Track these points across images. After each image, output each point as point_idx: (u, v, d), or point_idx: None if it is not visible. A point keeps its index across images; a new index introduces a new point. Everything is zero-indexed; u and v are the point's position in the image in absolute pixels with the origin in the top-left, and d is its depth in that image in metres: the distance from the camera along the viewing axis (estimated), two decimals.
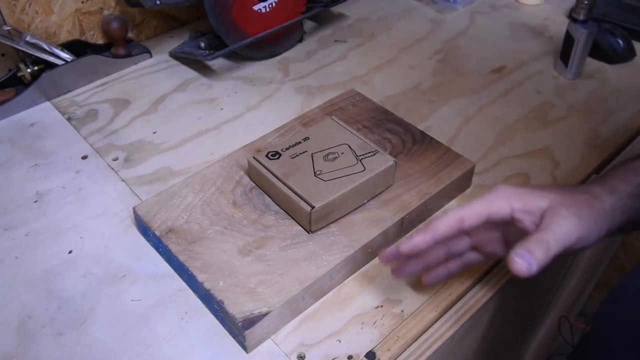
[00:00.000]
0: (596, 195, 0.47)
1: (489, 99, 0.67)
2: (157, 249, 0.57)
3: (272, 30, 0.83)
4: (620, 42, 0.85)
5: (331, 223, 0.56)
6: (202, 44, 0.81)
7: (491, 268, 0.57)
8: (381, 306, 0.53)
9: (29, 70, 0.75)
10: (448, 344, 0.53)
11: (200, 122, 0.74)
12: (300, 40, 0.90)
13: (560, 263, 0.82)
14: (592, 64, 0.85)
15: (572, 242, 0.44)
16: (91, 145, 0.70)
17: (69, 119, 0.74)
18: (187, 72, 0.83)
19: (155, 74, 0.83)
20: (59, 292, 0.54)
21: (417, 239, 0.47)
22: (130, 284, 0.54)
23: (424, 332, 0.52)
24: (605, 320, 0.46)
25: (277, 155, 0.59)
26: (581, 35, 0.79)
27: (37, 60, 0.76)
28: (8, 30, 0.73)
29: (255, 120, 0.74)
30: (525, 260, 0.42)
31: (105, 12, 0.83)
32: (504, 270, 0.58)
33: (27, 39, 0.74)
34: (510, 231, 0.50)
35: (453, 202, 0.63)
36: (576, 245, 0.45)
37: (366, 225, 0.56)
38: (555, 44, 0.89)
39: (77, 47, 0.80)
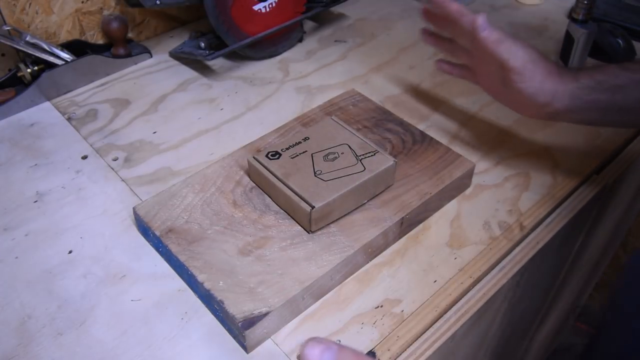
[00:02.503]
0: (561, 74, 0.57)
1: (489, 99, 0.67)
2: (157, 249, 0.57)
3: (272, 30, 0.83)
4: (620, 42, 0.85)
5: (331, 223, 0.56)
6: (202, 44, 0.81)
7: (491, 268, 0.58)
8: (381, 306, 0.53)
9: (29, 70, 0.75)
10: (448, 344, 0.53)
11: (200, 122, 0.74)
12: (300, 40, 0.90)
13: (560, 263, 0.82)
14: (592, 64, 0.85)
15: (513, 65, 0.57)
16: (91, 145, 0.70)
17: (69, 119, 0.74)
18: (187, 72, 0.83)
19: (155, 74, 0.83)
20: (59, 292, 0.54)
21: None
22: (130, 284, 0.54)
23: (424, 332, 0.52)
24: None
25: (277, 155, 0.59)
26: (581, 35, 0.79)
27: (37, 60, 0.76)
28: (8, 30, 0.73)
29: (255, 120, 0.74)
30: (486, 23, 0.58)
31: (105, 12, 0.83)
32: (504, 270, 0.58)
33: (27, 39, 0.74)
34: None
35: (453, 202, 0.63)
36: (514, 79, 0.57)
37: (366, 225, 0.56)
38: (555, 44, 0.89)
39: (77, 47, 0.80)
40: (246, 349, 0.49)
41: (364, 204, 0.58)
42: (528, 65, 0.56)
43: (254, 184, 0.60)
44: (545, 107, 0.57)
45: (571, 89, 0.56)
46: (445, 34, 0.68)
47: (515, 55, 0.57)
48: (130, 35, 0.87)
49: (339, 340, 0.50)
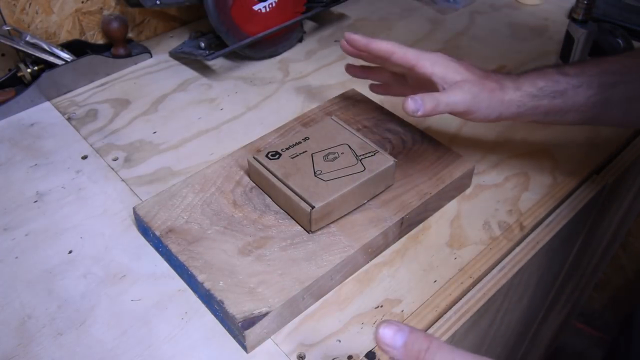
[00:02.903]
0: (503, 87, 0.57)
1: None
2: (157, 249, 0.57)
3: (272, 30, 0.83)
4: (620, 42, 0.85)
5: (331, 223, 0.56)
6: (202, 44, 0.81)
7: (491, 268, 0.58)
8: (381, 306, 0.53)
9: (29, 70, 0.75)
10: (448, 344, 0.52)
11: (200, 122, 0.74)
12: (300, 40, 0.90)
13: (560, 263, 0.82)
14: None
15: (459, 111, 0.57)
16: (91, 145, 0.70)
17: (69, 119, 0.74)
18: (187, 72, 0.83)
19: (155, 74, 0.83)
20: (59, 292, 0.54)
21: (356, 36, 0.62)
22: (130, 284, 0.54)
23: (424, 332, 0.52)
24: None
25: (277, 155, 0.59)
26: (581, 35, 0.79)
27: (37, 60, 0.76)
28: (8, 30, 0.73)
29: (255, 120, 0.74)
30: (416, 104, 0.55)
31: (105, 12, 0.83)
32: (504, 270, 0.58)
33: (27, 39, 0.74)
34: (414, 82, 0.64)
35: (453, 202, 0.63)
36: (464, 115, 0.58)
37: (366, 225, 0.56)
38: (555, 44, 0.89)
39: (77, 47, 0.80)
40: (246, 349, 0.49)
41: (364, 204, 0.58)
42: (472, 102, 0.56)
43: (254, 184, 0.60)
44: (495, 120, 0.59)
45: (516, 99, 0.57)
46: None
47: (457, 100, 0.56)
48: (130, 35, 0.87)
49: (339, 341, 0.50)
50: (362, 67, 0.70)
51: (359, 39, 0.62)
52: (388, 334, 0.37)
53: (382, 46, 0.60)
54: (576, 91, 0.57)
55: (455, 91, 0.57)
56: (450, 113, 0.57)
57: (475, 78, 0.58)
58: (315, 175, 0.57)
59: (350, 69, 0.70)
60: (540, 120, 0.60)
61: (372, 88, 0.71)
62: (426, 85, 0.59)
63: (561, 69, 0.59)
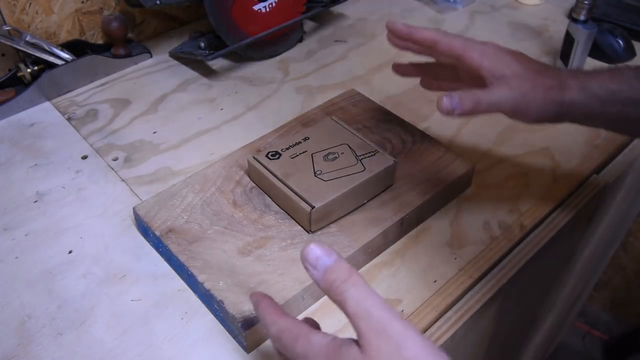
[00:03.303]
0: (564, 86, 0.50)
1: None
2: (157, 249, 0.57)
3: (272, 30, 0.83)
4: (620, 42, 0.85)
5: (331, 223, 0.56)
6: (202, 44, 0.81)
7: (491, 268, 0.58)
8: None
9: (29, 70, 0.75)
10: (448, 344, 0.53)
11: (200, 122, 0.74)
12: (300, 40, 0.90)
13: (560, 263, 0.82)
14: (592, 64, 0.85)
15: (505, 110, 0.50)
16: (91, 145, 0.70)
17: (69, 119, 0.74)
18: (187, 72, 0.83)
19: (155, 74, 0.83)
20: (59, 292, 0.54)
21: (398, 25, 0.56)
22: (130, 284, 0.54)
23: (424, 332, 0.52)
24: None
25: (277, 155, 0.59)
26: (581, 35, 0.79)
27: (37, 60, 0.76)
28: (8, 30, 0.73)
29: (255, 120, 0.74)
30: (453, 102, 0.49)
31: (105, 12, 0.83)
32: (504, 270, 0.58)
33: (27, 39, 0.74)
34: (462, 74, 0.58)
35: (453, 202, 0.63)
36: (512, 116, 0.51)
37: (366, 225, 0.56)
38: (555, 44, 0.89)
39: (77, 47, 0.80)
40: (246, 349, 0.49)
41: (364, 204, 0.58)
42: (521, 102, 0.50)
43: (254, 184, 0.60)
44: (551, 122, 0.52)
45: (580, 101, 0.50)
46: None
47: (502, 98, 0.50)
48: (130, 35, 0.87)
49: None
50: (410, 65, 0.63)
51: (400, 27, 0.56)
52: (314, 253, 0.36)
53: (425, 34, 0.54)
54: None
55: (501, 88, 0.50)
56: (498, 112, 0.51)
57: (528, 73, 0.51)
58: (315, 175, 0.57)
59: (399, 69, 0.64)
60: (609, 129, 0.54)
61: (422, 82, 0.64)
62: (478, 79, 0.53)
63: (638, 71, 0.51)
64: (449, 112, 0.49)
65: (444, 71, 0.60)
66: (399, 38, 0.57)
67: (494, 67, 0.51)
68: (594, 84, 0.50)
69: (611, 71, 0.51)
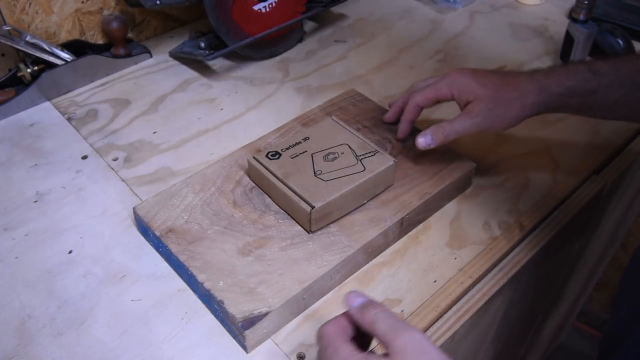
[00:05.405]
0: (525, 92, 0.57)
1: None
2: (157, 249, 0.57)
3: (272, 30, 0.83)
4: (620, 42, 0.85)
5: (331, 223, 0.56)
6: (202, 44, 0.81)
7: (491, 268, 0.58)
8: None
9: (29, 70, 0.75)
10: (448, 344, 0.53)
11: (200, 122, 0.74)
12: (300, 40, 0.90)
13: (560, 263, 0.82)
14: None
15: (471, 134, 0.58)
16: (91, 145, 0.70)
17: (69, 119, 0.74)
18: (187, 72, 0.83)
19: (155, 74, 0.83)
20: (59, 292, 0.54)
21: (389, 115, 0.68)
22: (130, 284, 0.54)
23: (424, 332, 0.52)
24: None
25: (277, 155, 0.59)
26: (581, 35, 0.79)
27: (37, 60, 0.76)
28: (8, 30, 0.73)
29: (255, 120, 0.74)
30: (426, 139, 0.59)
31: (105, 12, 0.83)
32: (504, 270, 0.58)
33: (27, 39, 0.74)
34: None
35: (453, 202, 0.63)
36: (482, 133, 0.58)
37: (366, 225, 0.56)
38: (555, 44, 0.89)
39: (77, 47, 0.80)
40: (246, 349, 0.49)
41: (364, 204, 0.58)
42: (484, 122, 0.57)
43: (254, 184, 0.60)
44: (519, 123, 0.58)
45: (541, 100, 0.57)
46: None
47: (466, 126, 0.57)
48: (130, 35, 0.87)
49: None
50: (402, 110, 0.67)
51: (391, 116, 0.67)
52: (354, 299, 0.43)
53: (409, 109, 0.63)
54: (607, 91, 0.56)
55: (464, 117, 0.58)
56: (458, 136, 0.58)
57: (488, 93, 0.57)
58: (315, 175, 0.57)
59: (391, 118, 0.69)
60: (573, 114, 0.60)
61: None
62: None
63: (592, 67, 0.57)
64: (426, 147, 0.59)
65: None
66: (396, 120, 0.66)
67: (461, 95, 0.58)
68: (551, 83, 0.57)
69: (568, 68, 0.58)
